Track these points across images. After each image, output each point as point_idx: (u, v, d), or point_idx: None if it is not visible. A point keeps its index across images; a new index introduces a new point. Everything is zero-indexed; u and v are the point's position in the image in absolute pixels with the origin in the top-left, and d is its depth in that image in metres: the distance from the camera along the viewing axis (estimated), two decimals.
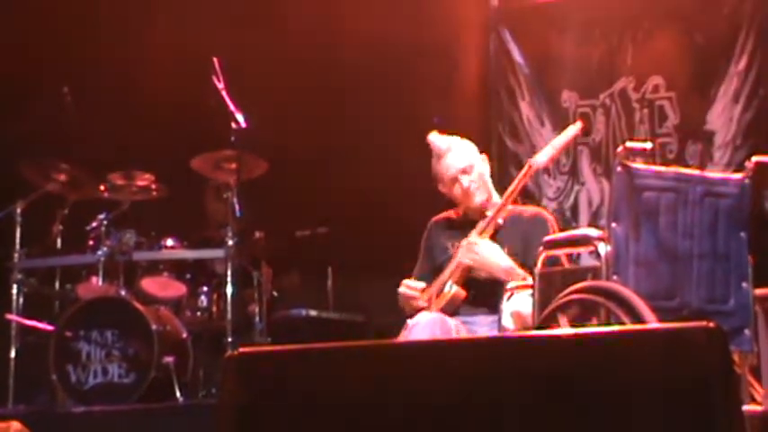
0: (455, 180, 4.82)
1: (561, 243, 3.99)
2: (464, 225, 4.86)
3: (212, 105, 6.07)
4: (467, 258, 4.67)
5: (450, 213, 5.01)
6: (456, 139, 4.92)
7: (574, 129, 4.70)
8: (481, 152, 4.93)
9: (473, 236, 4.69)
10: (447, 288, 4.70)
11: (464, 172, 4.81)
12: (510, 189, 4.70)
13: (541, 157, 4.68)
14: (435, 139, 4.89)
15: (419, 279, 4.90)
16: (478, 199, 4.82)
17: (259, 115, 6.18)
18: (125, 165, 6.63)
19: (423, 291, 4.78)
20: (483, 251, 4.65)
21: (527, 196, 6.82)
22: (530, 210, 5.03)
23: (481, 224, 4.72)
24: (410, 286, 4.81)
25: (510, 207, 4.81)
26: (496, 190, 4.93)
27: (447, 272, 4.75)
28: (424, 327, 4.42)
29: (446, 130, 4.93)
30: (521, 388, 2.19)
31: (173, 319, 6.29)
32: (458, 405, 2.23)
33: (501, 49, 7.40)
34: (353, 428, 2.29)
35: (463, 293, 4.68)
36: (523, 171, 4.70)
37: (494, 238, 4.71)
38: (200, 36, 6.93)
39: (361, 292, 6.42)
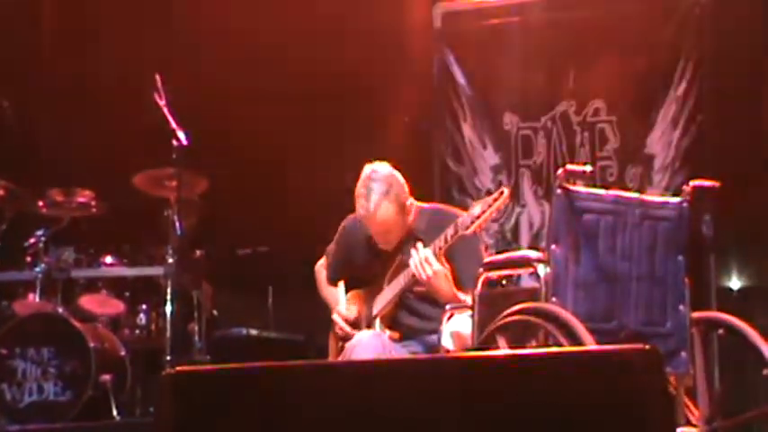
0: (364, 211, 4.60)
1: (501, 264, 4.00)
2: (379, 250, 4.73)
3: (154, 122, 6.03)
4: (423, 271, 4.35)
5: (365, 228, 4.74)
6: (385, 182, 4.56)
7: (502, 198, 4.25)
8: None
9: (429, 252, 4.35)
10: (378, 329, 4.64)
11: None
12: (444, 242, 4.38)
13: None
14: (378, 173, 4.58)
15: (333, 278, 4.95)
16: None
17: (200, 132, 6.15)
18: (64, 180, 6.58)
19: (353, 320, 4.79)
20: (439, 274, 4.38)
21: None
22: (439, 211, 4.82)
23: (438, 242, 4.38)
24: (344, 317, 4.81)
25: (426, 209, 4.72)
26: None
27: (379, 304, 4.68)
28: (365, 346, 4.42)
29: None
30: (460, 408, 2.20)
31: (111, 336, 6.23)
32: (397, 424, 2.22)
33: (444, 71, 7.41)
34: None
35: (396, 336, 4.63)
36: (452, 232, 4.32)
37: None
38: (142, 53, 6.89)
39: (301, 312, 6.39)
